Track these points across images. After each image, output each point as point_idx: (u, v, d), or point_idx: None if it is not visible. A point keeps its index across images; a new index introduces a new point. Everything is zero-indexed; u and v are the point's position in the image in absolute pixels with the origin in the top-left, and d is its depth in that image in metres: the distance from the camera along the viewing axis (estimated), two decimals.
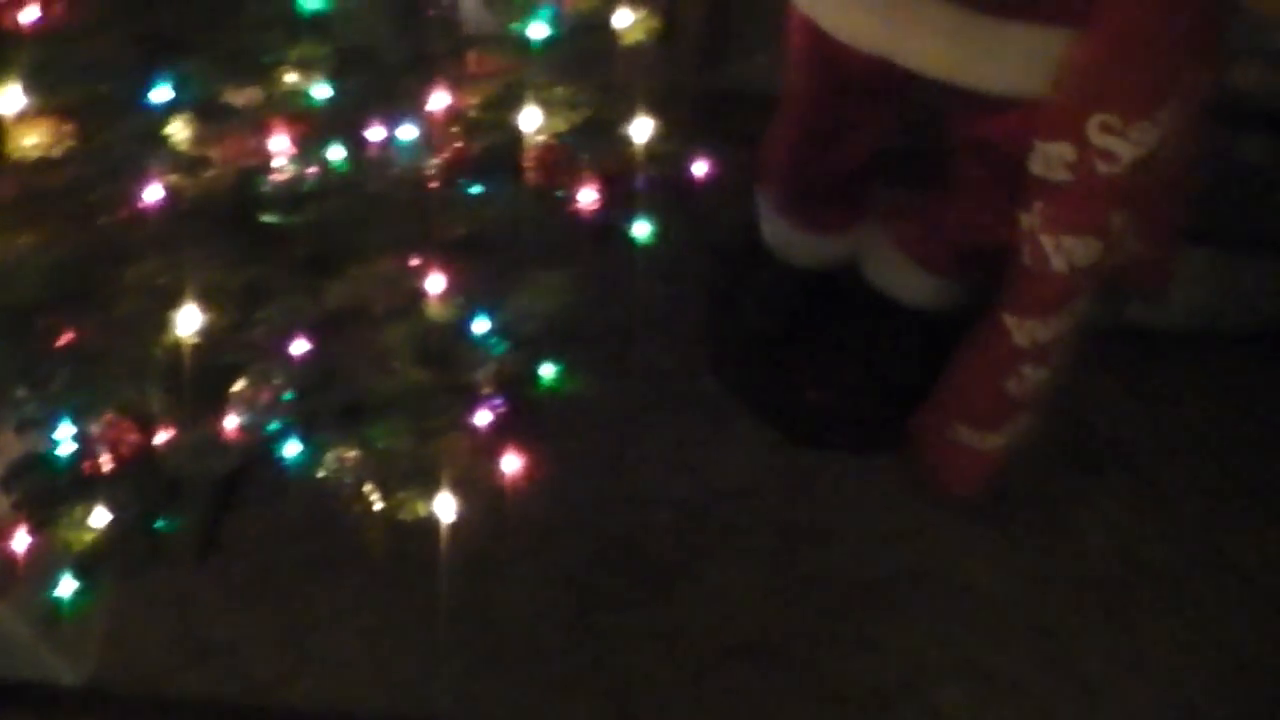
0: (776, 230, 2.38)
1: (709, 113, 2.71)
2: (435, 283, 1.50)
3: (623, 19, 1.63)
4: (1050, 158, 1.72)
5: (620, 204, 1.70)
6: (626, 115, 1.65)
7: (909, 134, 2.20)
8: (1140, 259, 2.04)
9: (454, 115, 1.48)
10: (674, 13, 2.66)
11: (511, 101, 1.48)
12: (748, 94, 2.45)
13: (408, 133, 1.45)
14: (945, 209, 2.17)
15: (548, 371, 1.66)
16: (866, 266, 2.38)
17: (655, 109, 1.67)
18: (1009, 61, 1.69)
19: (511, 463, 1.57)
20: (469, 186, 1.59)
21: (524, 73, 1.49)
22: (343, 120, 1.45)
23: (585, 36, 1.61)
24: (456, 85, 1.47)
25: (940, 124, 2.05)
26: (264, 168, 1.44)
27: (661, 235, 1.73)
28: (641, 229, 1.70)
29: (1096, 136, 1.67)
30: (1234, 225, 2.41)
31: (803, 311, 2.45)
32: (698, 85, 2.76)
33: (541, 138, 1.52)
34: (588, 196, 1.64)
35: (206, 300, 1.46)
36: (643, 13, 1.63)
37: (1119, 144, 1.67)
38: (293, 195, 1.44)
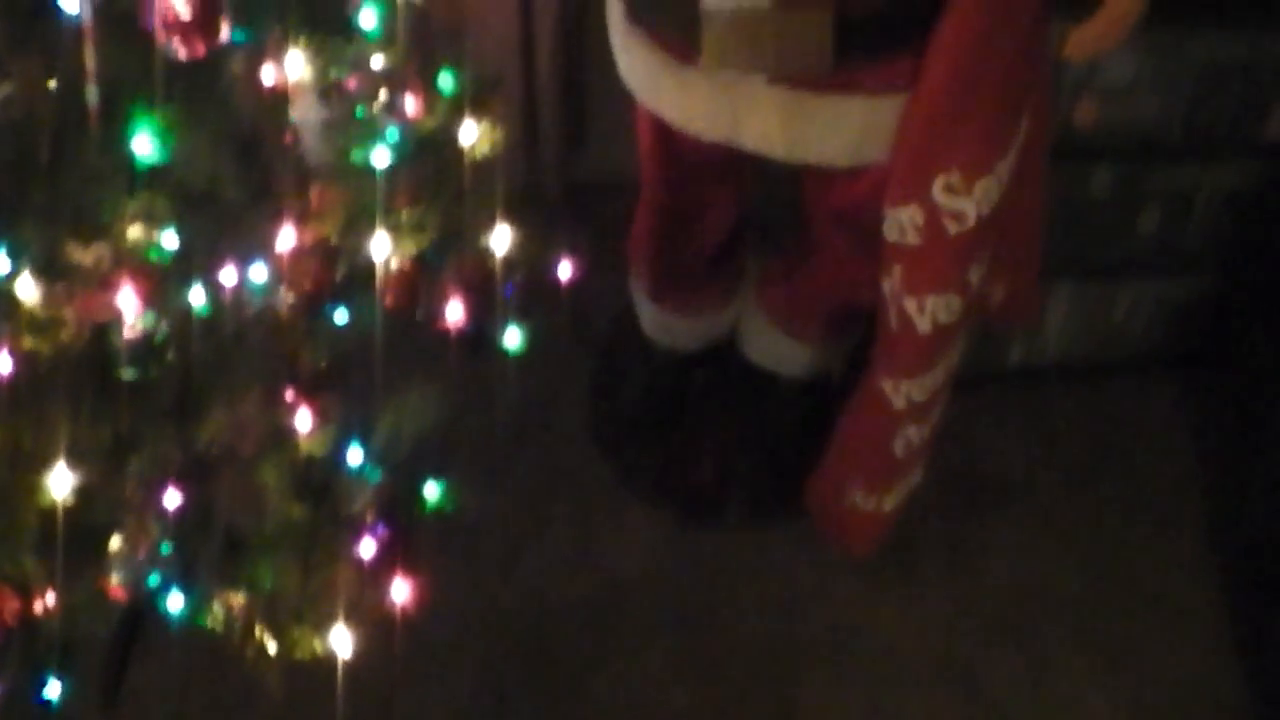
0: (651, 317, 2.40)
1: (576, 204, 2.75)
2: (303, 417, 1.50)
3: (468, 133, 1.65)
4: (901, 223, 1.75)
5: (488, 313, 1.70)
6: (484, 225, 1.66)
7: (770, 204, 2.23)
8: (1008, 300, 2.09)
9: (305, 249, 1.49)
10: (532, 108, 2.70)
11: (360, 230, 1.49)
12: (613, 182, 2.47)
13: (260, 273, 1.45)
14: (810, 278, 2.20)
15: (431, 491, 1.66)
16: (741, 340, 2.41)
17: (513, 215, 1.68)
18: (846, 135, 1.73)
19: (401, 589, 1.56)
20: (329, 314, 1.59)
21: (369, 200, 1.49)
22: (193, 265, 1.45)
23: (431, 155, 1.63)
24: (303, 219, 1.47)
25: (798, 192, 2.09)
26: (118, 322, 1.44)
27: (535, 337, 1.74)
28: (512, 337, 1.71)
29: (942, 198, 1.70)
30: (1094, 257, 2.47)
31: (685, 392, 2.47)
32: (562, 178, 2.80)
33: (396, 262, 1.52)
34: (454, 311, 1.65)
35: (75, 458, 1.45)
36: (486, 125, 1.65)
37: (964, 203, 1.71)
38: (150, 347, 1.43)
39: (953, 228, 1.73)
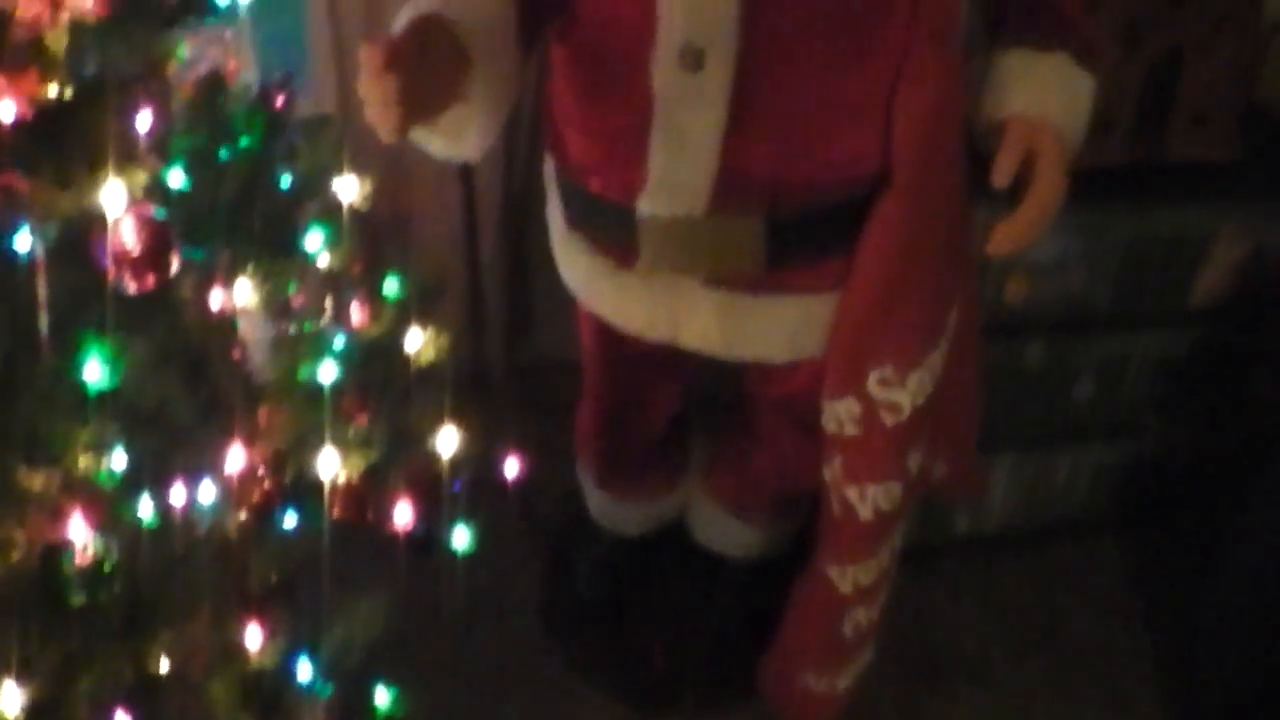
0: (598, 503, 2.42)
1: (522, 387, 2.79)
2: (253, 633, 1.50)
3: (413, 340, 1.68)
4: (839, 415, 1.80)
5: (436, 513, 1.71)
6: (430, 428, 1.68)
7: (713, 392, 2.28)
8: (950, 475, 2.12)
9: (254, 466, 1.51)
10: (477, 295, 2.75)
11: (308, 446, 1.51)
12: (559, 364, 2.51)
13: (208, 492, 1.47)
14: (755, 463, 2.24)
15: (382, 697, 1.65)
16: (689, 523, 2.43)
17: (460, 412, 1.71)
18: (782, 333, 1.77)
19: None
20: (277, 521, 1.60)
21: (317, 417, 1.51)
22: (142, 484, 1.46)
23: (378, 362, 1.66)
24: (252, 438, 1.49)
25: (740, 381, 2.14)
26: (68, 545, 1.44)
27: (484, 532, 1.75)
28: (461, 537, 1.71)
29: (877, 391, 1.75)
30: (1032, 427, 2.53)
31: (635, 578, 2.47)
32: (508, 362, 2.83)
33: (344, 475, 1.54)
34: (402, 514, 1.66)
35: (25, 677, 1.44)
36: (431, 331, 1.69)
37: (899, 394, 1.75)
38: (99, 574, 1.44)
39: (889, 419, 1.77)
